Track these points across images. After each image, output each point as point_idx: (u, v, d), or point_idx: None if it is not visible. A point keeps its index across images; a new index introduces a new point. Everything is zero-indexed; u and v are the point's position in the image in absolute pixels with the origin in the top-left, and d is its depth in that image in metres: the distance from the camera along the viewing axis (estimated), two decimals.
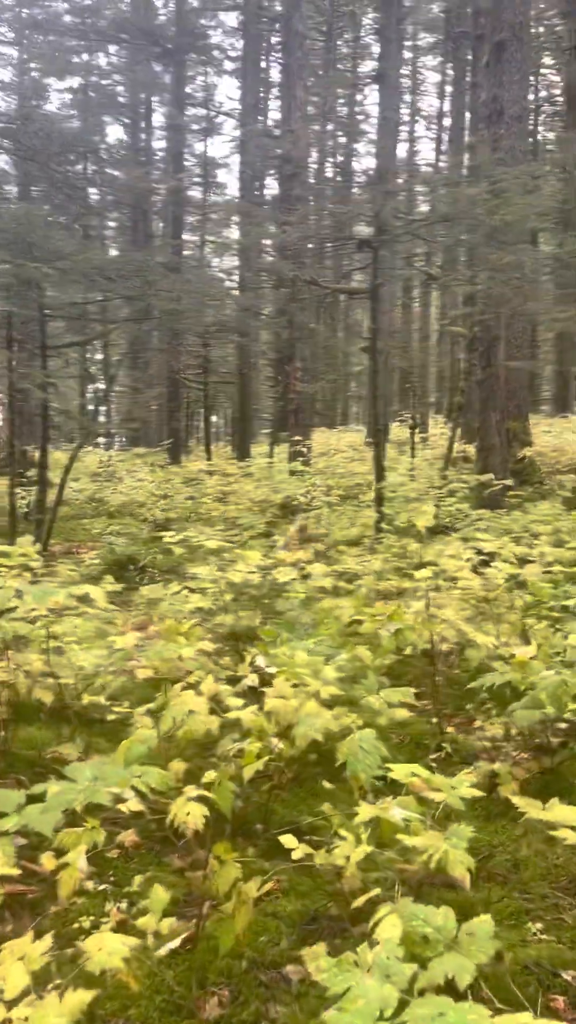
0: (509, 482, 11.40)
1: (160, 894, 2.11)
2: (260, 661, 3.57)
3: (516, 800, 2.43)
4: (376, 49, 38.01)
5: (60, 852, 2.35)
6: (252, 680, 3.68)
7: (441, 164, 31.01)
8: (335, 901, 2.49)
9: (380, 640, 3.71)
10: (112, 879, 2.82)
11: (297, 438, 15.84)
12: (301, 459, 15.91)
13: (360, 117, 39.28)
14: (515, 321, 12.56)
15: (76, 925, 2.47)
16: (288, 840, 2.41)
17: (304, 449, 15.99)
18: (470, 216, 9.19)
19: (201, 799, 2.15)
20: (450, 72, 34.06)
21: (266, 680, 3.66)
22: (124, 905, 2.64)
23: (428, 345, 24.15)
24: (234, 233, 24.96)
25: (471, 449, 16.34)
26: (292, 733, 2.72)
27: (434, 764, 3.35)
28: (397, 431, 21.43)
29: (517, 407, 14.20)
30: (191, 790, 2.17)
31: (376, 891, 2.21)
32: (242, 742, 2.85)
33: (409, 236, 9.21)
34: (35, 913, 2.63)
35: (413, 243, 9.52)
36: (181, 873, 2.81)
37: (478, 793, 2.47)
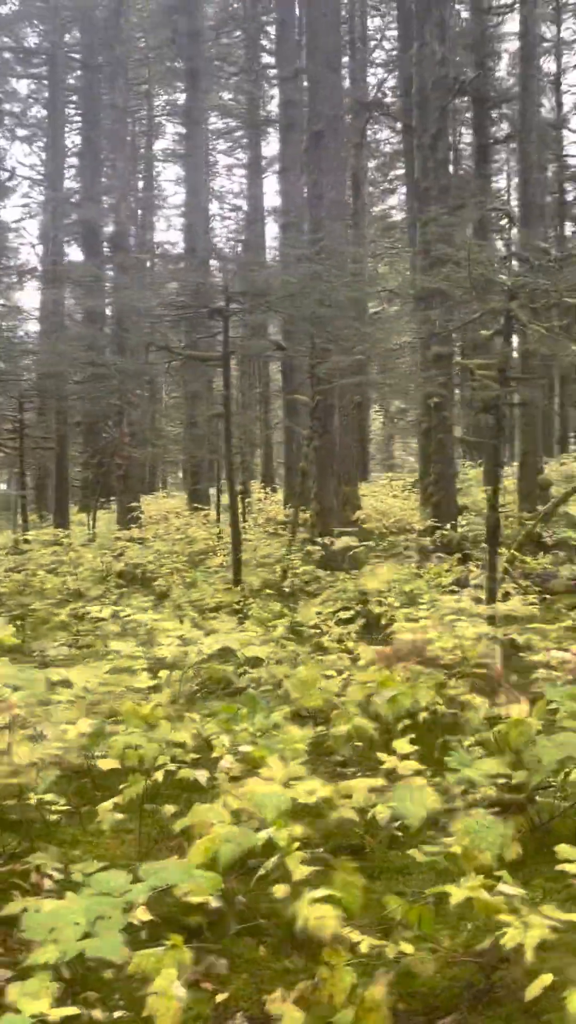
0: (354, 542, 11.81)
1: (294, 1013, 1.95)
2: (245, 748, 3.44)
3: None
4: (170, 128, 39.32)
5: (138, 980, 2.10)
6: (229, 762, 3.54)
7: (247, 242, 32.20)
8: None
9: (376, 708, 3.70)
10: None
11: (133, 504, 15.55)
12: (134, 525, 15.60)
13: (154, 192, 40.26)
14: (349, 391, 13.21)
15: None
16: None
17: (138, 515, 15.70)
18: (313, 292, 9.63)
19: (327, 899, 2.02)
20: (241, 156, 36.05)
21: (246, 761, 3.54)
22: None
23: (264, 413, 24.78)
24: (30, 298, 24.47)
25: (303, 515, 16.81)
26: None
27: None
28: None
29: (347, 472, 14.85)
30: (319, 892, 2.02)
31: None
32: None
33: (262, 307, 9.48)
34: None
35: (265, 315, 9.81)
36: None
37: None
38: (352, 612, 7.65)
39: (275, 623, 6.86)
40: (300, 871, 2.21)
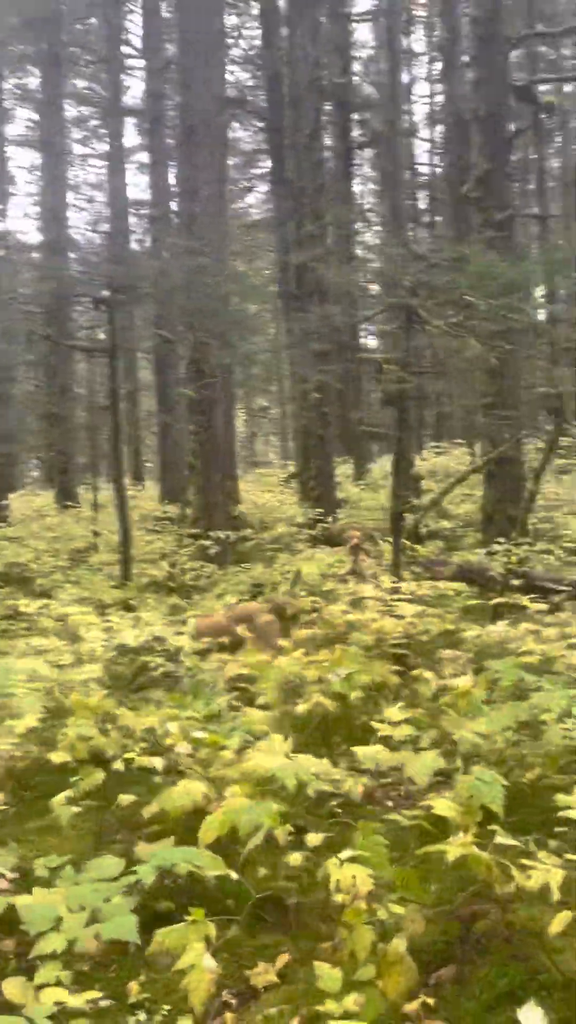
0: (228, 534, 11.86)
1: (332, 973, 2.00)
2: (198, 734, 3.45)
3: None
4: (21, 114, 37.90)
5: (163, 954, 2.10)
6: (185, 748, 3.54)
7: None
8: None
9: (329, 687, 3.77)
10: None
11: (3, 502, 14.96)
12: (3, 523, 15.02)
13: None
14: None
15: None
16: None
17: (6, 513, 15.12)
18: (201, 286, 9.64)
19: (353, 859, 2.08)
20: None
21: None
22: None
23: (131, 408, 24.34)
24: None
25: (175, 509, 16.69)
26: None
27: None
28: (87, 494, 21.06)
29: (229, 467, 14.88)
30: (345, 854, 2.08)
31: None
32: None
33: (148, 299, 9.38)
34: None
35: (151, 306, 9.71)
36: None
37: None
38: (259, 601, 7.72)
39: (186, 616, 6.83)
40: (314, 838, 2.27)
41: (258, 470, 26.33)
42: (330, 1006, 1.91)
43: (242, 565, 11.13)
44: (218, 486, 13.35)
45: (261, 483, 21.65)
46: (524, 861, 2.38)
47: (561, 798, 2.46)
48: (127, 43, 29.56)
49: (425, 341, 6.27)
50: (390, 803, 3.97)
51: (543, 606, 6.76)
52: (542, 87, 13.05)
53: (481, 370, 9.81)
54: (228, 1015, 2.49)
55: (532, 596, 7.25)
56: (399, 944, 2.14)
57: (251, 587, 9.79)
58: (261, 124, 30.03)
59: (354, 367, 12.35)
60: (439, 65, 29.51)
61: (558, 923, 2.16)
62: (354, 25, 26.84)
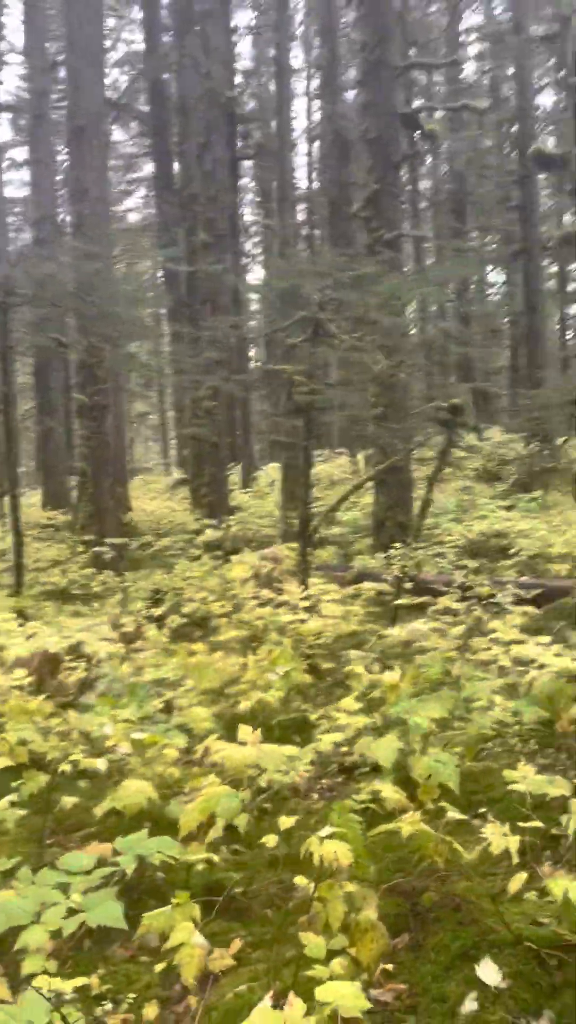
0: (124, 541, 11.80)
1: (316, 940, 2.15)
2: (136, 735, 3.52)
3: None
4: None
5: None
6: (126, 748, 3.61)
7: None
8: None
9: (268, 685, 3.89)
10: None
11: None
12: None
13: None
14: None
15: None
16: None
17: None
18: (100, 288, 9.61)
19: (334, 835, 2.24)
20: None
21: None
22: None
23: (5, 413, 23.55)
24: None
25: (60, 515, 16.37)
26: None
27: None
28: None
29: (119, 473, 14.77)
30: (325, 831, 2.23)
31: None
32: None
33: (44, 303, 9.26)
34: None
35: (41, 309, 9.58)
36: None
37: None
38: (164, 608, 7.77)
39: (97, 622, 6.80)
40: (286, 821, 2.42)
41: (141, 476, 26.09)
42: (320, 971, 2.06)
43: (140, 571, 11.10)
44: (109, 492, 13.24)
45: (146, 489, 21.53)
46: (482, 831, 2.61)
47: (508, 773, 2.71)
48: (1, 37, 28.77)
49: (330, 354, 6.52)
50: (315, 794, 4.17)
51: (441, 606, 7.16)
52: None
53: (373, 382, 10.20)
54: (192, 998, 2.61)
55: (424, 598, 7.65)
56: (370, 913, 2.32)
57: (151, 593, 9.80)
58: (140, 128, 29.89)
59: (257, 377, 12.53)
60: (316, 82, 30.27)
61: (516, 882, 2.39)
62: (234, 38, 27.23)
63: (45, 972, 2.20)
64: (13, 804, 3.42)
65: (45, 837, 3.41)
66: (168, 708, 3.94)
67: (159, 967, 2.79)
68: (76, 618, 7.50)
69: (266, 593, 7.93)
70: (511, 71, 25.89)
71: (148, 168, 36.96)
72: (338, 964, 2.08)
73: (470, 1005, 2.30)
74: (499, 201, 32.13)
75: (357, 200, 31.17)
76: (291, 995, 2.06)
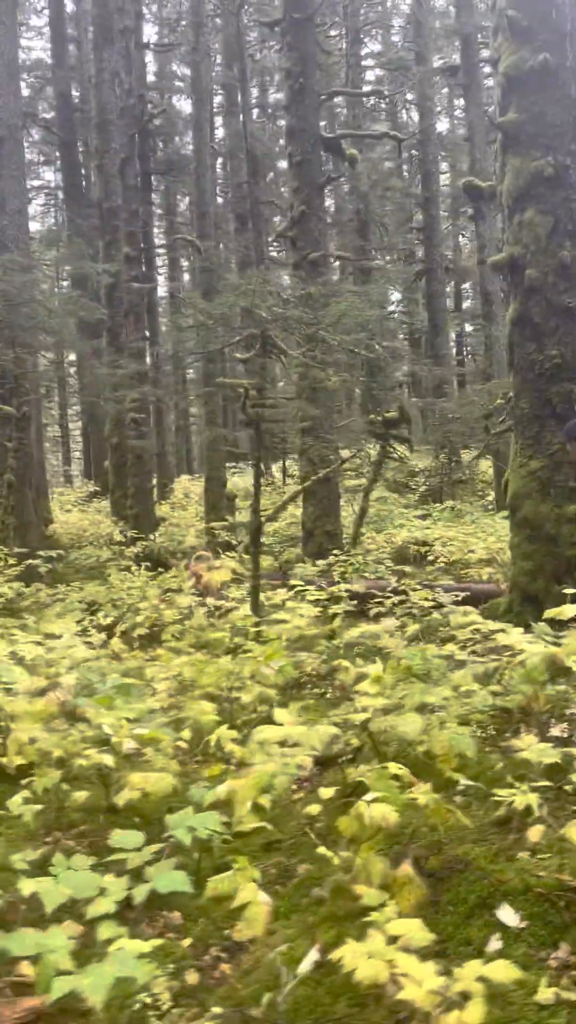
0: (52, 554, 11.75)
1: (370, 891, 2.41)
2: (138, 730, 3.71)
3: None
4: None
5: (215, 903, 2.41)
6: (132, 744, 3.79)
7: None
8: None
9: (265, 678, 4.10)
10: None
11: None
12: None
13: None
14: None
15: None
16: None
17: None
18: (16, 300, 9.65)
19: (379, 800, 2.50)
20: None
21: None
22: None
23: None
24: None
25: None
26: None
27: None
28: None
29: (41, 485, 14.62)
30: (370, 795, 2.50)
31: None
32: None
33: None
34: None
35: None
36: None
37: None
38: (111, 618, 7.86)
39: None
40: (327, 792, 2.68)
41: (52, 489, 25.66)
42: (377, 916, 2.33)
43: (71, 584, 11.06)
44: (32, 504, 13.12)
45: (61, 501, 21.26)
46: (497, 791, 2.94)
47: (515, 743, 3.05)
48: None
49: (279, 369, 6.81)
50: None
51: (381, 609, 7.56)
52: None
53: (299, 396, 10.57)
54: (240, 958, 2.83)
55: (363, 603, 8.04)
56: (407, 868, 2.61)
57: (88, 605, 9.82)
58: (41, 136, 29.52)
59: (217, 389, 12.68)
60: (218, 99, 30.66)
61: (536, 833, 2.73)
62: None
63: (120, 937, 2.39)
64: (27, 800, 3.55)
65: (64, 828, 3.56)
66: (168, 707, 4.11)
67: (186, 943, 3.02)
68: (26, 632, 7.50)
69: (212, 601, 8.14)
70: (409, 97, 27.06)
71: (47, 176, 36.51)
72: (382, 915, 2.35)
73: (494, 944, 2.61)
74: (402, 223, 33.33)
75: (269, 217, 31.57)
76: (349, 941, 2.32)
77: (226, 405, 19.34)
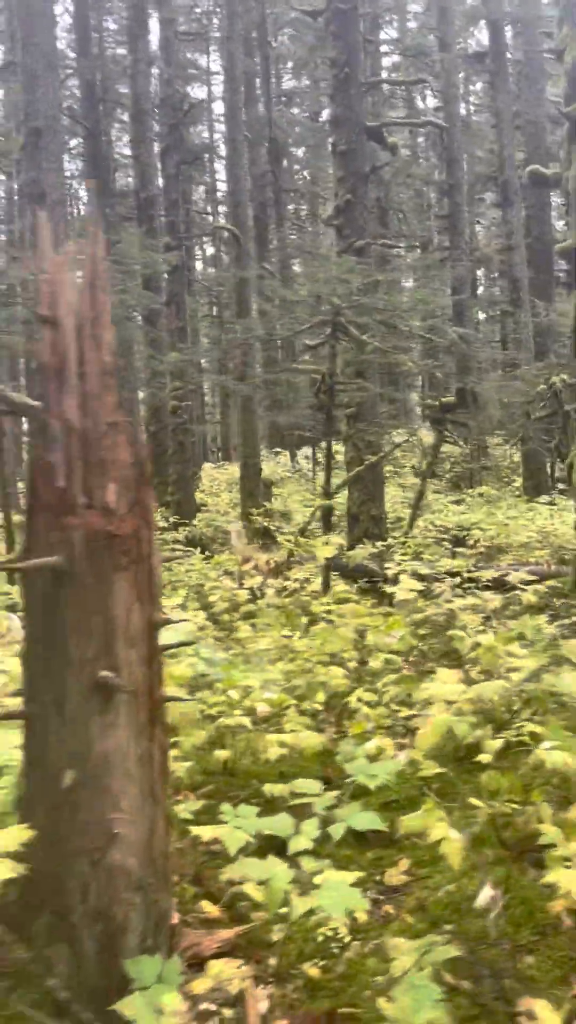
0: None
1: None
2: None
3: None
4: None
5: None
6: (264, 707, 4.03)
7: None
8: None
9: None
10: None
11: None
12: None
13: None
14: None
15: None
16: None
17: None
18: None
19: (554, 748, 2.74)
20: None
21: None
22: None
23: None
24: None
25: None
26: None
27: None
28: None
29: None
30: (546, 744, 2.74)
31: None
32: None
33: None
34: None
35: None
36: None
37: None
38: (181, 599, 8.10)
39: None
40: (493, 744, 2.91)
41: None
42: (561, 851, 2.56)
43: None
44: None
45: None
46: None
47: None
48: None
49: (352, 355, 7.02)
50: None
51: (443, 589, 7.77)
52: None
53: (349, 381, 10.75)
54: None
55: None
56: None
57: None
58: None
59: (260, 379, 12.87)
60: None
61: None
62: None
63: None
64: (175, 758, 3.79)
65: (211, 784, 3.80)
66: (286, 675, 4.33)
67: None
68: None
69: (276, 583, 8.38)
70: (426, 83, 27.03)
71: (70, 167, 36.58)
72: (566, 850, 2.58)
73: None
74: (420, 210, 33.36)
75: (305, 203, 31.44)
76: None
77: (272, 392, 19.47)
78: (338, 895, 2.39)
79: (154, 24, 16.10)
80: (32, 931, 2.47)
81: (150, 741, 2.52)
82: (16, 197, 26.06)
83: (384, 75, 32.27)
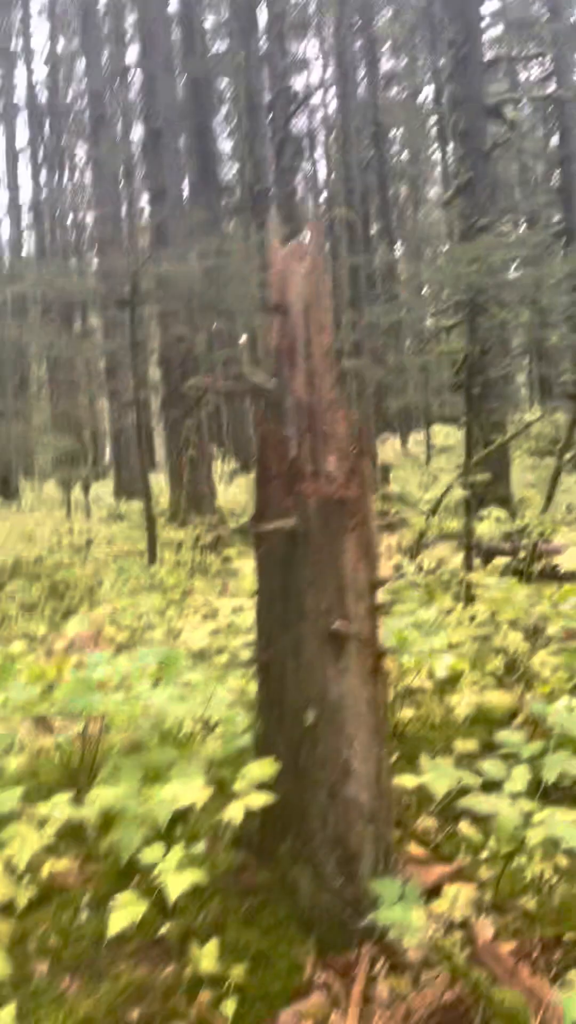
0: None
1: None
2: None
3: None
4: None
5: None
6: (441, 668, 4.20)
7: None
8: None
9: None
10: None
11: None
12: None
13: None
14: None
15: None
16: None
17: None
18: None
19: None
20: None
21: None
22: None
23: None
24: None
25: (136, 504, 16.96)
26: None
27: None
28: None
29: (209, 462, 15.39)
30: None
31: None
32: None
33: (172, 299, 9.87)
34: None
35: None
36: None
37: None
38: None
39: None
40: None
41: None
42: None
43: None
44: (206, 479, 13.89)
45: None
46: None
47: None
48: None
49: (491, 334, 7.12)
50: None
51: None
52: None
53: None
54: None
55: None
56: None
57: None
58: None
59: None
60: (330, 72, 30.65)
61: None
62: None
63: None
64: None
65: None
66: (455, 643, 4.51)
67: None
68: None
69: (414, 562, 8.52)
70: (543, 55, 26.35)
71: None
72: None
73: None
74: (529, 184, 32.51)
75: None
76: None
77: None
78: (573, 828, 2.56)
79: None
80: (276, 856, 2.75)
81: (375, 687, 2.76)
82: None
83: (486, 49, 31.58)
